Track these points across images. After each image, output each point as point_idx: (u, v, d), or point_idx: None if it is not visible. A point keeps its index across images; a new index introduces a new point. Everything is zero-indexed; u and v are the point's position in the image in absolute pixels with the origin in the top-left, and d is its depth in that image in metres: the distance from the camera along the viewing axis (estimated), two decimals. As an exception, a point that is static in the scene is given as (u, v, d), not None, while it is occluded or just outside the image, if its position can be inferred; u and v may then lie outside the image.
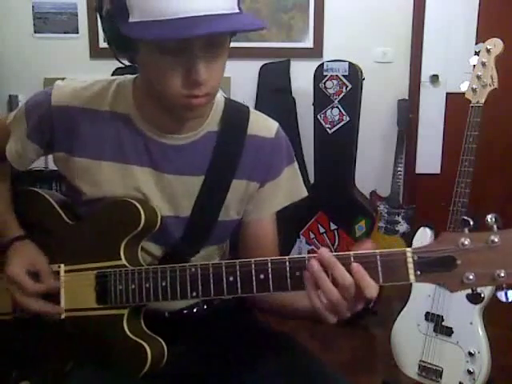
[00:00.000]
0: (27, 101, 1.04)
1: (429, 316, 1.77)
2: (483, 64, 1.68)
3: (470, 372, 1.67)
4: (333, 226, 2.68)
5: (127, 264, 0.93)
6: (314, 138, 2.74)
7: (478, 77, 1.69)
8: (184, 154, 0.99)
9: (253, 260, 0.84)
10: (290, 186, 1.08)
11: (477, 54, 1.70)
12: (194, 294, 0.88)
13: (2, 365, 1.02)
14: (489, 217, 0.70)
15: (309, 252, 2.70)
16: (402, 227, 3.10)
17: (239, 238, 1.10)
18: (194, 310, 1.07)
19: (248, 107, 1.07)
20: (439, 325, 1.74)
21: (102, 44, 3.17)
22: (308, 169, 2.94)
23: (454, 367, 1.71)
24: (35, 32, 3.22)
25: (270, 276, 0.82)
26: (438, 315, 1.75)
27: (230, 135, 1.02)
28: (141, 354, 0.91)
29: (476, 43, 1.75)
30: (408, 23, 3.16)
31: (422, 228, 1.85)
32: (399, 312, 1.85)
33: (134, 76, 1.01)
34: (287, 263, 0.82)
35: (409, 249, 0.75)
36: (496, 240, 0.70)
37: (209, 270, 0.87)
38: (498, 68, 1.68)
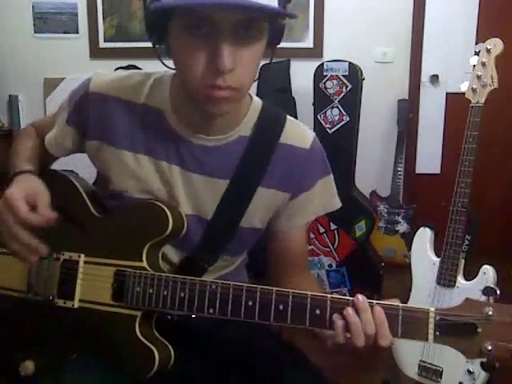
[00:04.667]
0: (71, 91, 1.06)
1: (429, 316, 1.77)
2: (483, 64, 1.68)
3: (469, 372, 1.67)
4: (333, 226, 2.68)
5: (148, 267, 0.93)
6: (314, 138, 2.74)
7: (478, 77, 1.69)
8: (213, 156, 0.98)
9: (274, 289, 0.84)
10: (323, 198, 1.06)
11: (477, 54, 1.70)
12: (211, 311, 0.87)
13: (7, 342, 1.01)
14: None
15: (308, 252, 2.70)
16: (402, 227, 3.11)
17: (267, 250, 1.09)
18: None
19: (286, 115, 1.04)
20: (439, 325, 1.74)
21: (102, 44, 3.17)
22: (308, 169, 2.93)
23: (453, 367, 1.71)
24: (35, 32, 3.22)
25: (290, 309, 0.82)
26: (437, 315, 1.75)
27: (262, 141, 0.99)
28: (148, 358, 0.90)
29: (476, 43, 1.76)
30: (408, 23, 3.16)
31: (421, 228, 1.85)
32: (399, 312, 1.85)
33: (174, 72, 0.98)
34: (308, 299, 0.82)
35: (432, 309, 0.76)
36: None
37: (229, 290, 0.86)
38: (498, 68, 1.68)
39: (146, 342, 0.91)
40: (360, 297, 0.80)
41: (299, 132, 1.05)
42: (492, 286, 0.74)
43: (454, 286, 1.71)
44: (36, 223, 0.92)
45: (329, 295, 0.82)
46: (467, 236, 1.80)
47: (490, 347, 0.70)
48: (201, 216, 1.00)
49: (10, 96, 3.25)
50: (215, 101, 0.85)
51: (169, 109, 0.97)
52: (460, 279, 1.72)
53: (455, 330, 0.73)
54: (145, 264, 0.93)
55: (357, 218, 2.65)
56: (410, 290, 1.84)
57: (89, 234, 0.98)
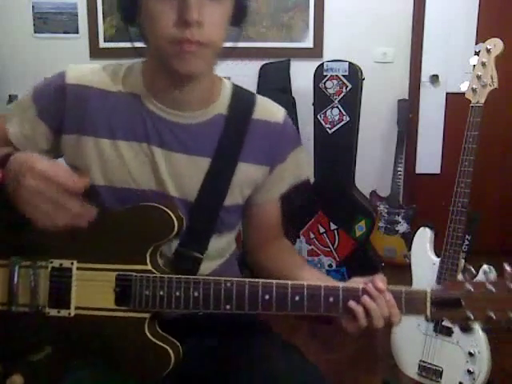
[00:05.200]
0: (34, 87, 1.04)
1: (429, 316, 1.77)
2: (483, 64, 1.68)
3: (470, 372, 1.67)
4: (333, 226, 2.68)
5: (153, 270, 0.92)
6: (314, 138, 2.74)
7: (478, 77, 1.69)
8: (192, 133, 1.00)
9: (289, 283, 0.90)
10: (296, 168, 1.11)
11: (477, 54, 1.70)
12: (228, 307, 0.90)
13: None
14: (485, 268, 0.93)
15: (308, 252, 2.70)
16: (402, 227, 3.11)
17: (243, 224, 1.12)
18: (200, 314, 1.06)
19: (255, 93, 1.09)
20: (439, 325, 1.74)
21: (102, 44, 3.17)
22: (308, 169, 2.93)
23: (454, 367, 1.71)
24: (35, 32, 3.22)
25: (305, 299, 0.90)
26: (437, 315, 1.75)
27: (237, 118, 1.03)
28: (163, 358, 0.91)
29: (476, 43, 1.76)
30: (408, 23, 3.16)
31: (421, 228, 1.85)
32: (399, 312, 1.85)
33: (143, 59, 1.03)
34: (322, 290, 0.90)
35: (428, 290, 0.91)
36: (492, 289, 0.89)
37: (245, 287, 0.90)
38: (498, 68, 1.68)
39: (159, 342, 0.91)
40: (371, 285, 0.90)
41: (271, 108, 1.09)
42: (468, 267, 0.95)
43: (453, 286, 1.71)
44: (82, 185, 0.87)
45: (340, 284, 0.91)
46: (467, 236, 1.81)
47: (471, 315, 0.89)
48: (186, 199, 1.01)
49: (9, 96, 3.24)
50: (184, 56, 0.89)
51: (144, 91, 1.00)
52: (460, 279, 1.71)
53: (445, 304, 0.90)
54: (150, 267, 0.92)
55: (357, 218, 2.65)
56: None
57: (80, 239, 0.95)
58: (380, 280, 0.91)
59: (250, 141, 1.03)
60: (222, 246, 1.09)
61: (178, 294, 0.90)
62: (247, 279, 0.90)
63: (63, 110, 0.99)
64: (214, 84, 1.04)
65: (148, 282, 0.91)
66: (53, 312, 0.94)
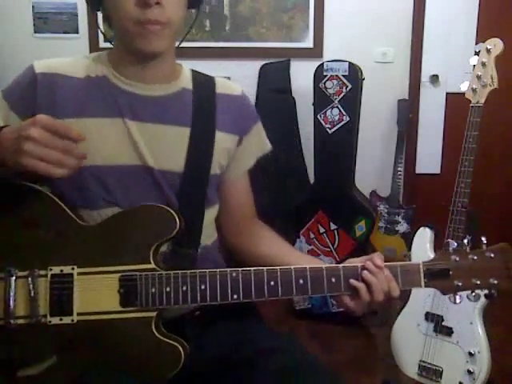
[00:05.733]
0: (4, 88, 1.10)
1: (429, 316, 1.77)
2: (483, 64, 1.68)
3: (469, 372, 1.67)
4: (333, 226, 2.68)
5: (157, 268, 0.93)
6: (314, 138, 2.74)
7: (478, 77, 1.69)
8: (163, 105, 1.05)
9: (292, 267, 0.95)
10: (259, 140, 1.18)
11: (477, 54, 1.70)
12: (235, 296, 0.92)
13: None
14: (465, 241, 0.99)
15: (308, 252, 2.70)
16: (402, 227, 3.11)
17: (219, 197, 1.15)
18: (196, 314, 1.06)
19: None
20: (439, 325, 1.74)
21: (102, 44, 3.17)
22: (308, 169, 2.94)
23: (454, 367, 1.71)
24: (35, 32, 3.22)
25: (309, 281, 0.95)
26: (437, 315, 1.75)
27: (203, 93, 1.10)
28: (174, 355, 0.91)
29: (476, 43, 1.75)
30: (408, 23, 3.16)
31: (421, 228, 1.85)
32: (399, 312, 1.85)
33: (108, 51, 1.09)
34: (324, 271, 0.96)
35: (420, 262, 0.99)
36: (475, 258, 0.98)
37: (250, 276, 0.93)
38: (498, 68, 1.68)
39: (168, 340, 0.91)
40: (369, 262, 0.98)
41: (228, 84, 1.17)
42: (454, 242, 1.00)
43: (454, 286, 1.71)
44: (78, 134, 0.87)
45: (340, 265, 0.98)
46: (467, 236, 1.80)
47: (459, 283, 0.98)
48: (173, 171, 1.03)
49: (10, 96, 3.24)
50: (148, 35, 0.95)
51: (111, 72, 1.04)
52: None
53: (436, 275, 0.98)
54: (153, 265, 0.92)
55: (357, 218, 2.65)
56: (410, 290, 1.84)
57: (78, 244, 0.94)
58: (378, 257, 0.99)
59: (220, 112, 1.09)
60: (207, 223, 1.09)
61: (184, 288, 0.91)
62: (252, 268, 0.93)
63: (34, 98, 1.01)
64: (174, 63, 1.11)
65: (153, 280, 0.92)
66: (54, 320, 0.92)
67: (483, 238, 0.99)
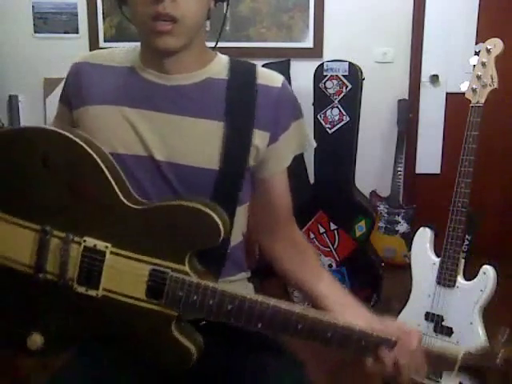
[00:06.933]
0: None
1: (429, 316, 1.77)
2: (483, 64, 1.68)
3: (470, 372, 1.67)
4: (333, 226, 2.68)
5: (190, 272, 0.91)
6: (314, 138, 2.73)
7: (478, 77, 1.69)
8: (186, 95, 1.01)
9: (324, 319, 0.90)
10: (297, 139, 1.10)
11: (477, 54, 1.70)
12: (260, 325, 0.90)
13: (12, 314, 0.97)
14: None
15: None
16: (402, 227, 3.11)
17: (252, 205, 1.10)
18: (201, 324, 1.06)
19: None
20: (439, 325, 1.74)
21: (102, 44, 3.17)
22: (308, 169, 2.94)
23: (453, 367, 1.71)
24: (35, 32, 3.22)
25: (337, 337, 0.90)
26: (438, 315, 1.75)
27: (241, 83, 1.04)
28: (185, 355, 0.91)
29: (476, 43, 1.76)
30: (408, 23, 3.16)
31: (421, 228, 1.85)
32: (399, 312, 1.85)
33: None
34: (356, 333, 0.90)
35: (461, 354, 0.93)
36: None
37: (280, 312, 0.89)
38: (498, 68, 1.68)
39: (182, 340, 0.91)
40: (406, 343, 0.91)
41: (268, 74, 1.10)
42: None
43: (454, 286, 1.71)
44: None
45: (374, 333, 0.91)
46: (467, 236, 1.80)
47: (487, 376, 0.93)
48: (207, 167, 0.99)
49: (9, 96, 3.24)
50: (159, 34, 0.93)
51: (138, 62, 1.04)
52: (460, 279, 1.72)
53: (471, 370, 0.94)
54: (187, 269, 0.91)
55: (357, 218, 2.65)
56: (410, 290, 1.84)
57: (119, 224, 0.93)
58: (416, 337, 0.92)
59: (258, 106, 1.02)
60: (239, 221, 1.07)
61: (211, 302, 0.89)
62: (283, 304, 0.90)
63: (70, 87, 1.07)
64: (202, 53, 1.05)
65: (183, 284, 0.90)
66: (80, 289, 0.92)
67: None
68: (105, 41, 3.19)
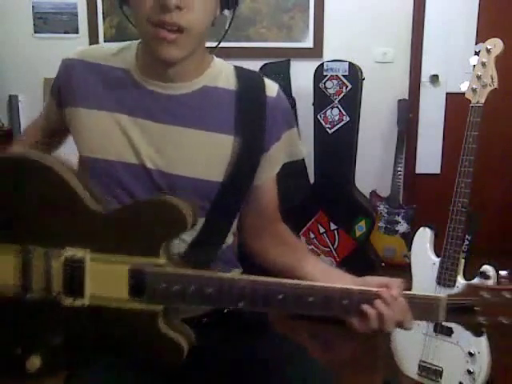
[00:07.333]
0: None
1: (429, 316, 1.77)
2: (483, 64, 1.68)
3: (469, 372, 1.67)
4: (333, 226, 2.68)
5: (166, 263, 0.92)
6: (314, 138, 2.74)
7: (478, 77, 1.69)
8: (190, 104, 0.99)
9: (304, 283, 0.90)
10: (287, 149, 1.09)
11: (477, 54, 1.70)
12: (241, 304, 0.90)
13: (9, 338, 0.97)
14: (502, 273, 0.89)
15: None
16: (402, 227, 3.11)
17: (243, 209, 1.10)
18: (204, 321, 1.06)
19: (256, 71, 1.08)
20: (439, 325, 1.74)
21: (102, 44, 3.17)
22: (308, 169, 2.94)
23: (453, 367, 1.71)
24: (35, 32, 3.22)
25: (320, 300, 0.90)
26: (438, 315, 1.75)
27: (252, 96, 1.02)
28: (176, 350, 0.91)
29: (476, 43, 1.76)
30: (408, 23, 3.16)
31: (421, 228, 1.85)
32: (399, 312, 1.85)
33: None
34: (337, 293, 0.90)
35: (443, 296, 0.91)
36: (509, 296, 0.89)
37: (259, 286, 0.90)
38: (498, 68, 1.68)
39: (171, 335, 0.91)
40: (385, 290, 0.90)
41: (270, 83, 1.06)
42: (484, 270, 0.93)
43: (453, 286, 1.71)
44: None
45: (356, 288, 0.91)
46: (467, 236, 1.80)
47: (483, 321, 0.89)
48: (206, 179, 0.99)
49: (10, 96, 3.24)
50: (163, 42, 0.89)
51: (134, 66, 1.01)
52: (460, 279, 1.71)
53: (459, 311, 0.90)
54: (163, 261, 0.92)
55: (357, 218, 2.65)
56: (410, 290, 1.83)
57: (93, 230, 0.95)
58: (396, 286, 0.91)
59: (267, 119, 1.01)
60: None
61: (192, 289, 0.90)
62: (261, 278, 0.90)
63: (62, 83, 1.05)
64: (200, 61, 1.02)
65: (162, 277, 0.91)
66: (67, 301, 0.93)
67: (504, 273, 0.90)
68: (105, 41, 3.19)
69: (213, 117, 1.00)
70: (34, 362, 0.93)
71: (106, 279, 0.93)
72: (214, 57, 1.07)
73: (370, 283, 0.93)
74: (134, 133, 0.99)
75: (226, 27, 1.04)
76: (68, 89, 1.03)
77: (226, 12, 1.02)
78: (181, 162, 0.99)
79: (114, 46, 1.07)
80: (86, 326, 0.94)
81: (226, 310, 1.06)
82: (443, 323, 1.74)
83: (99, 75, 1.02)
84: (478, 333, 0.92)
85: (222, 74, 1.03)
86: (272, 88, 1.05)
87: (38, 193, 0.95)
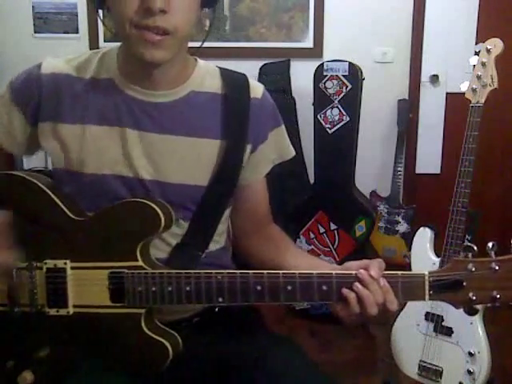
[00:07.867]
0: (10, 81, 1.08)
1: (429, 316, 1.77)
2: (483, 64, 1.68)
3: (469, 372, 1.67)
4: (333, 226, 2.68)
5: (144, 265, 0.93)
6: (314, 138, 2.74)
7: (478, 77, 1.69)
8: (177, 111, 0.99)
9: (281, 272, 0.89)
10: (276, 148, 1.09)
11: (477, 53, 1.70)
12: (220, 299, 0.90)
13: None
14: (489, 244, 0.83)
15: (308, 252, 2.70)
16: (402, 227, 3.11)
17: (232, 209, 1.11)
18: (194, 320, 1.06)
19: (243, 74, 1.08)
20: (439, 325, 1.74)
21: (102, 44, 3.17)
22: (308, 169, 2.94)
23: (453, 367, 1.71)
24: (35, 32, 3.21)
25: (298, 288, 0.89)
26: (437, 315, 1.75)
27: (237, 99, 1.02)
28: (162, 351, 0.91)
29: (476, 43, 1.76)
30: (408, 23, 3.16)
31: (421, 228, 1.85)
32: (399, 312, 1.85)
33: (120, 43, 1.01)
34: (314, 278, 0.89)
35: (426, 273, 0.87)
36: (496, 267, 0.83)
37: (236, 279, 0.89)
38: (498, 68, 1.68)
39: (156, 337, 0.91)
40: (363, 272, 0.89)
41: (255, 84, 1.07)
42: (470, 244, 0.86)
43: (453, 286, 1.71)
44: None
45: (333, 272, 0.90)
46: (467, 236, 1.80)
47: (473, 296, 0.85)
48: (196, 184, 1.00)
49: (9, 96, 3.24)
50: (147, 44, 0.87)
51: (118, 76, 0.99)
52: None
53: (446, 286, 0.86)
54: (141, 263, 0.93)
55: (357, 218, 2.65)
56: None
57: (71, 239, 0.96)
58: (375, 266, 0.90)
59: (250, 121, 1.02)
60: (219, 228, 1.08)
61: (170, 288, 0.90)
62: (238, 271, 0.90)
63: (38, 98, 1.00)
64: (184, 66, 1.01)
65: (140, 279, 0.91)
66: (52, 311, 0.95)
67: (490, 244, 0.84)
68: (105, 41, 3.19)
69: (200, 123, 1.00)
70: (25, 377, 0.94)
71: (88, 286, 0.94)
72: (198, 59, 1.06)
73: (350, 267, 0.93)
74: (126, 144, 0.98)
75: (208, 25, 1.04)
76: (51, 105, 0.99)
77: (206, 11, 1.00)
78: (171, 171, 0.99)
79: (87, 54, 1.04)
80: (74, 337, 0.95)
81: (217, 309, 1.07)
82: (443, 323, 1.74)
83: (83, 89, 0.99)
84: (471, 310, 0.90)
85: (207, 77, 1.03)
86: (257, 89, 1.06)
87: (21, 208, 0.96)
